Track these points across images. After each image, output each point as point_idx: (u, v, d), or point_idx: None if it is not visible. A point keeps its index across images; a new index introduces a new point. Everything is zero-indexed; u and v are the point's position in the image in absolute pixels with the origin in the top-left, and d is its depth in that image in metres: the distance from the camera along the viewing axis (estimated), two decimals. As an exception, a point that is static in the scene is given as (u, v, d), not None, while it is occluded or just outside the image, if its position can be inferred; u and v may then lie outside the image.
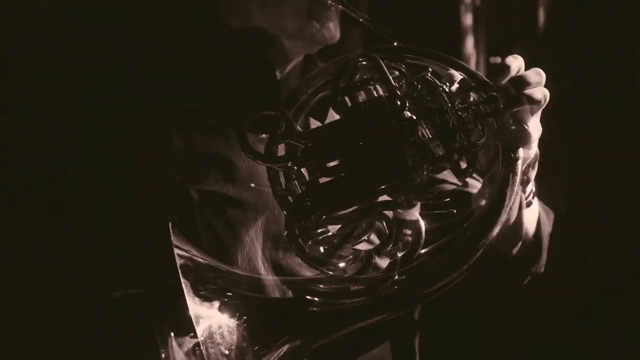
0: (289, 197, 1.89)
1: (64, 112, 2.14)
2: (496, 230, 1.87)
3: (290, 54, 2.21)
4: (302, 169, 1.90)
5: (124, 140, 2.11)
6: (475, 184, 2.13)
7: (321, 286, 1.87)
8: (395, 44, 1.98)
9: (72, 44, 2.23)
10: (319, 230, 1.87)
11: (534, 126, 1.93)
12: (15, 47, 2.30)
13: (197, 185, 2.06)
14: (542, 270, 2.27)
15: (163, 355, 1.82)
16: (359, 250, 1.87)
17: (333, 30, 2.14)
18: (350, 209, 1.86)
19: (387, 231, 1.85)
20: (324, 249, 1.87)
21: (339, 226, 1.89)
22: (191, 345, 1.81)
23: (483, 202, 1.94)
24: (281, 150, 1.92)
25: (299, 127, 1.92)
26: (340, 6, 2.11)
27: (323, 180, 1.86)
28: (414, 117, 1.85)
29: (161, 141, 2.09)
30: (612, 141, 4.35)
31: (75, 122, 2.13)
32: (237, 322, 1.83)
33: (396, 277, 1.85)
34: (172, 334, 1.83)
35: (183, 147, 2.09)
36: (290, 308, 1.91)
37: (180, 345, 1.82)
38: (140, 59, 2.17)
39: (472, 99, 1.90)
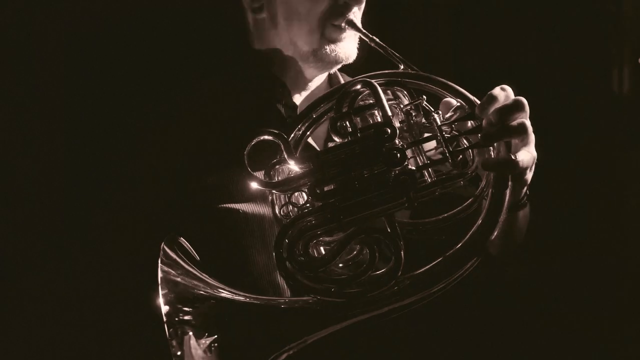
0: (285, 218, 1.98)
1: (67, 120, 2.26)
2: (495, 232, 1.94)
3: (306, 75, 2.30)
4: (297, 192, 1.98)
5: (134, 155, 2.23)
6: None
7: (323, 285, 1.94)
8: (401, 68, 2.06)
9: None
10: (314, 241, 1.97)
11: (529, 129, 1.96)
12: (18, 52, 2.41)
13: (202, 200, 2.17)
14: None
15: (178, 353, 1.92)
16: (361, 252, 1.97)
17: (348, 51, 2.24)
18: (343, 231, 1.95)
19: (389, 230, 1.93)
20: (325, 250, 1.97)
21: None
22: (207, 343, 1.94)
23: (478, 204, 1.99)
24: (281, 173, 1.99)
25: (297, 151, 2.00)
26: (353, 28, 2.21)
27: (316, 203, 1.95)
28: (404, 146, 1.94)
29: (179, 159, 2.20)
30: (586, 142, 4.43)
31: (82, 130, 2.27)
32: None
33: (397, 279, 1.93)
34: (191, 333, 1.93)
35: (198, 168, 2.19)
36: (291, 308, 1.99)
37: (198, 344, 1.93)
38: (163, 76, 2.30)
39: (470, 124, 1.98)
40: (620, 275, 4.56)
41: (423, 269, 1.96)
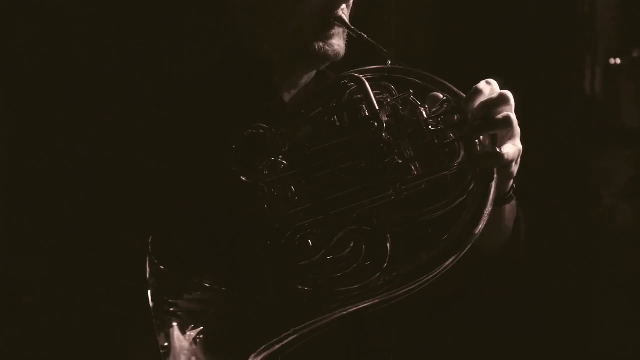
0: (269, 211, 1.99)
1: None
2: (481, 225, 1.96)
3: (295, 73, 2.32)
4: (285, 186, 1.99)
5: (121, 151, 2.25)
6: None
7: (311, 277, 1.96)
8: (389, 63, 2.08)
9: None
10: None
11: (515, 122, 1.98)
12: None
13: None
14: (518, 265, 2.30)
15: (165, 344, 1.94)
16: (348, 244, 1.98)
17: (337, 48, 2.25)
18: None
19: (375, 222, 1.96)
20: (312, 242, 1.97)
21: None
22: (194, 334, 1.95)
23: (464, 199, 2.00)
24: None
25: (285, 146, 2.01)
26: (342, 25, 2.22)
27: (304, 196, 1.97)
28: (391, 140, 1.97)
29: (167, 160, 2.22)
30: (558, 143, 4.47)
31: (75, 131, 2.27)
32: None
33: (383, 272, 1.95)
34: (175, 324, 1.95)
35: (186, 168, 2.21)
36: (278, 299, 2.01)
37: (183, 335, 1.95)
38: (150, 77, 2.30)
39: (456, 118, 2.00)
40: (593, 276, 4.60)
41: (408, 262, 1.98)
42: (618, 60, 4.78)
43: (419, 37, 4.42)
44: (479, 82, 2.02)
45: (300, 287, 1.97)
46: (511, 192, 2.12)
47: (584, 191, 4.71)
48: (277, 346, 1.96)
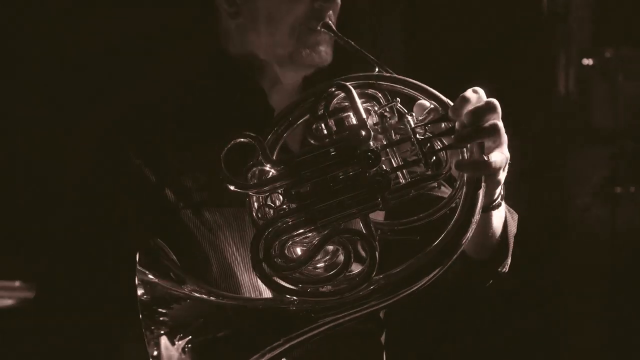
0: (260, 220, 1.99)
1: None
2: (469, 232, 1.96)
3: (283, 79, 2.32)
4: (274, 194, 1.99)
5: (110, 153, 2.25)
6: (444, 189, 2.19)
7: (300, 286, 1.96)
8: (376, 70, 2.08)
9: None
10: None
11: (502, 130, 1.98)
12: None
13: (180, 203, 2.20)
14: (507, 270, 2.28)
15: (155, 353, 1.93)
16: (337, 252, 1.99)
17: (324, 54, 2.26)
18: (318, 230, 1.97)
19: (364, 231, 1.95)
20: (301, 251, 1.98)
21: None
22: (182, 343, 1.95)
23: (454, 205, 2.00)
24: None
25: (273, 154, 2.01)
26: (330, 32, 2.23)
27: (292, 205, 1.97)
28: (378, 148, 1.96)
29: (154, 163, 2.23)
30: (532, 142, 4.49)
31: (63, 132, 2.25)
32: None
33: (372, 280, 1.94)
34: (164, 333, 1.94)
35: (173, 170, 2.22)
36: (267, 308, 2.00)
37: (172, 344, 1.94)
38: (137, 85, 2.30)
39: (443, 126, 2.00)
40: (564, 275, 4.64)
41: (397, 269, 1.98)
42: (591, 61, 4.82)
43: (394, 38, 4.43)
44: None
45: (289, 296, 1.96)
46: (499, 199, 2.11)
47: (556, 190, 4.74)
48: (267, 355, 1.96)
